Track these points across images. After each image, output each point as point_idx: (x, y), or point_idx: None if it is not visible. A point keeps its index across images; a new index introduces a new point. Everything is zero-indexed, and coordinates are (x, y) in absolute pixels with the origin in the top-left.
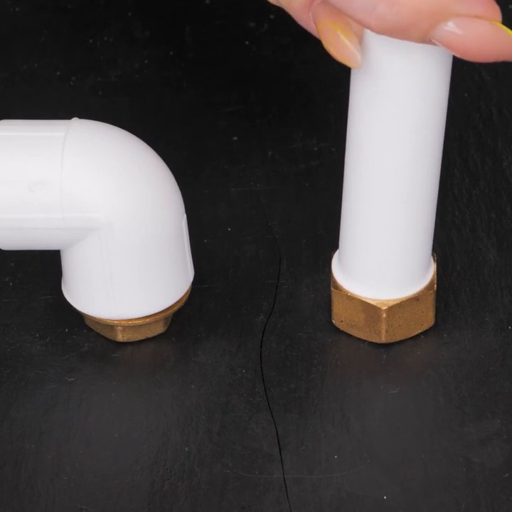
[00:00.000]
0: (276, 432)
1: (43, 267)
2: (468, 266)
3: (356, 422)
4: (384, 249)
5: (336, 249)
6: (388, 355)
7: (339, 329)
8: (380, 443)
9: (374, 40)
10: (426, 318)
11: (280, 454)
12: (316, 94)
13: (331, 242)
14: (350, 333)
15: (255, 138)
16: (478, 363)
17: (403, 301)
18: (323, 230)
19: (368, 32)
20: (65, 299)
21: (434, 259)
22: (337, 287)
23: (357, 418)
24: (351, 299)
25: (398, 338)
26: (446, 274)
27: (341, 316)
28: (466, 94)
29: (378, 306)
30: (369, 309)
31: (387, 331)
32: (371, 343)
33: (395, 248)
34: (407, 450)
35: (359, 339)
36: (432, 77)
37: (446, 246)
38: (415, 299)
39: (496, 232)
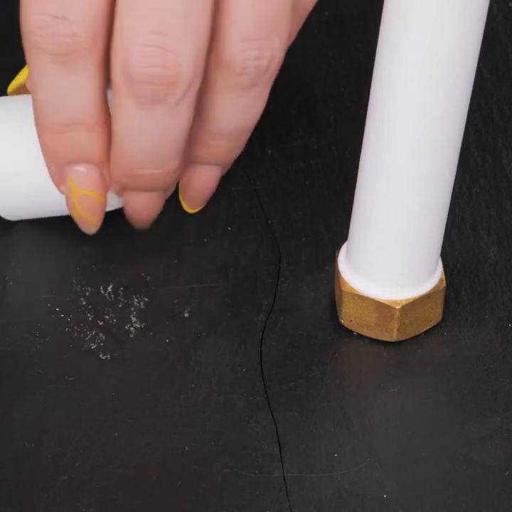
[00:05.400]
0: (276, 430)
1: (44, 266)
2: (469, 263)
3: (356, 421)
4: (399, 241)
5: (339, 249)
6: (388, 354)
7: (341, 327)
8: (380, 441)
9: None
10: (435, 314)
11: (280, 453)
12: (316, 92)
13: (331, 240)
14: (360, 333)
15: (255, 136)
16: (479, 361)
17: (416, 299)
18: (323, 229)
19: None
20: (65, 296)
21: None
22: (347, 287)
23: (357, 416)
24: (363, 298)
25: (408, 336)
26: (447, 271)
27: (351, 316)
28: None
29: (392, 305)
30: (382, 308)
31: (398, 329)
32: (371, 341)
33: (411, 239)
34: (407, 448)
35: (359, 337)
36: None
37: (447, 244)
38: (427, 296)
39: (496, 229)
